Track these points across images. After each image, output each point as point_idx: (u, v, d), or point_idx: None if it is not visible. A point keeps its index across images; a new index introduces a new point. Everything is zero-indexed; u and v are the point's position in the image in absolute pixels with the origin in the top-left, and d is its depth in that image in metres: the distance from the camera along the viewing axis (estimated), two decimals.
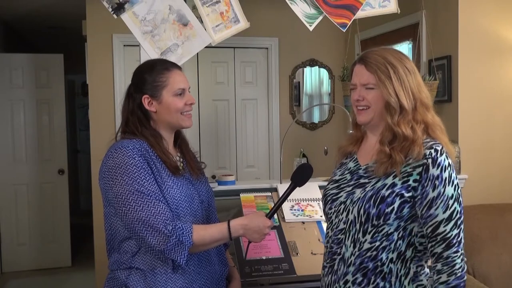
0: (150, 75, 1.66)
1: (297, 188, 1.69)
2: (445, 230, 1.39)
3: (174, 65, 1.72)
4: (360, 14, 2.47)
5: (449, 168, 1.40)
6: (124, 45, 4.02)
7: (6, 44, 5.26)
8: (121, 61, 4.05)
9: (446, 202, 1.39)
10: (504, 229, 2.78)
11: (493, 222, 2.80)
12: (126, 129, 1.66)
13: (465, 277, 1.40)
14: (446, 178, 1.39)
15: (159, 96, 1.64)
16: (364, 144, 1.61)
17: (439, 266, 1.40)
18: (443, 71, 3.13)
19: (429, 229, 1.41)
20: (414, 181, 1.41)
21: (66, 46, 5.98)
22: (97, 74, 4.03)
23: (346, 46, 3.93)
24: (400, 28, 3.65)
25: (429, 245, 1.42)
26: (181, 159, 1.74)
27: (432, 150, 1.40)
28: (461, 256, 1.40)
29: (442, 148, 1.42)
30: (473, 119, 3.06)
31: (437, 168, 1.39)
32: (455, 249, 1.39)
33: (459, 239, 1.40)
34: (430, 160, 1.39)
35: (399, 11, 2.54)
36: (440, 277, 1.39)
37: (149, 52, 2.27)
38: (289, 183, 1.69)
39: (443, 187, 1.39)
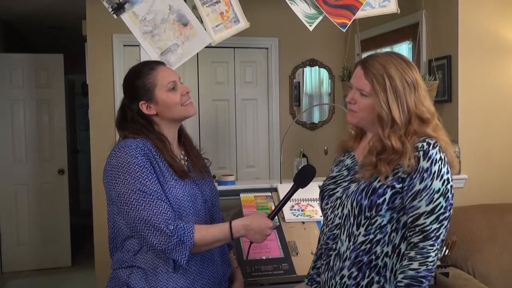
0: (138, 80, 1.65)
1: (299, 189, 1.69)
2: (424, 223, 1.39)
3: (157, 63, 1.73)
4: (360, 14, 2.47)
5: (439, 162, 1.40)
6: (124, 45, 4.02)
7: (6, 44, 5.26)
8: (121, 61, 4.05)
9: (431, 195, 1.39)
10: (504, 229, 2.78)
11: (493, 222, 2.80)
12: (126, 134, 1.66)
13: (434, 273, 1.40)
14: (435, 171, 1.39)
15: (154, 97, 1.64)
16: (363, 141, 1.62)
17: (412, 253, 1.40)
18: (443, 71, 3.13)
19: (410, 219, 1.41)
20: (404, 172, 1.42)
21: (66, 46, 5.98)
22: (97, 74, 4.03)
23: (346, 46, 3.93)
24: (400, 28, 3.65)
25: (408, 234, 1.42)
26: (186, 158, 1.74)
27: (425, 143, 1.40)
28: (436, 251, 1.39)
29: (436, 142, 1.42)
30: (473, 119, 3.06)
31: (428, 160, 1.39)
32: (431, 242, 1.38)
33: (438, 234, 1.39)
34: (421, 153, 1.40)
35: (399, 11, 2.54)
36: (411, 264, 1.39)
37: (149, 52, 2.27)
38: (289, 183, 1.69)
39: (430, 180, 1.39)
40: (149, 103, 1.64)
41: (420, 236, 1.39)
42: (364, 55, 3.72)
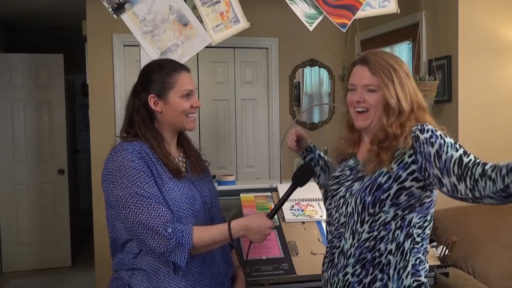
0: (158, 75, 1.65)
1: (298, 188, 1.69)
2: (470, 159, 1.30)
3: (183, 67, 1.71)
4: (360, 14, 2.47)
5: (440, 131, 1.39)
6: (124, 45, 4.03)
7: (5, 44, 5.26)
8: (121, 61, 4.05)
9: (453, 146, 1.34)
10: (504, 229, 2.78)
11: (493, 222, 2.80)
12: (129, 129, 1.66)
13: None
14: (440, 135, 1.38)
15: (166, 97, 1.64)
16: (362, 144, 1.63)
17: (489, 174, 1.22)
18: (443, 71, 3.13)
19: (455, 169, 1.30)
20: (409, 156, 1.41)
21: (66, 46, 5.98)
22: (97, 74, 4.04)
23: (346, 46, 3.93)
24: (400, 28, 3.65)
25: (467, 180, 1.27)
26: (184, 159, 1.73)
27: (418, 125, 1.42)
28: None
29: (429, 125, 1.42)
30: (473, 119, 3.06)
31: (427, 132, 1.39)
32: (492, 162, 1.25)
33: None
34: (417, 132, 1.40)
35: (399, 11, 2.54)
36: (499, 172, 1.20)
37: (149, 52, 2.27)
38: (289, 183, 1.69)
39: (441, 139, 1.37)
40: (158, 99, 1.64)
41: (480, 165, 1.26)
42: None
